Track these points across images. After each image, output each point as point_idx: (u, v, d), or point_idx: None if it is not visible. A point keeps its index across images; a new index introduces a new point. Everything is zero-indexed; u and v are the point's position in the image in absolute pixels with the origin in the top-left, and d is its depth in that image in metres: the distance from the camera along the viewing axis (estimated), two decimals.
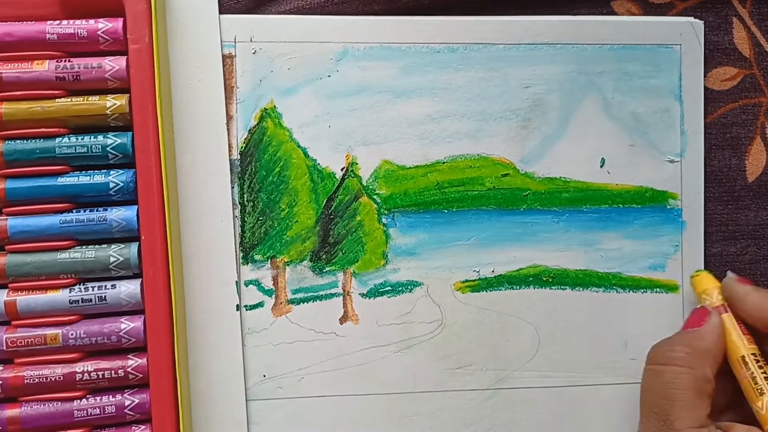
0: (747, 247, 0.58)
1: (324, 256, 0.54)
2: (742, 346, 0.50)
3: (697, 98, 0.57)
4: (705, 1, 0.57)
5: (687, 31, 0.56)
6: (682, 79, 0.57)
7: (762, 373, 0.49)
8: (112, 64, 0.50)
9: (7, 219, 0.49)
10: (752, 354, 0.50)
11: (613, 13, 0.57)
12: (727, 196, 0.58)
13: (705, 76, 0.57)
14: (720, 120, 0.58)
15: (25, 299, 0.49)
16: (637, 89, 0.56)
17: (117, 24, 0.50)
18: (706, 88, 0.57)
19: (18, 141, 0.49)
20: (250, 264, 0.54)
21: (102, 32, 0.50)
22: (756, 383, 0.49)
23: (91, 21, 0.50)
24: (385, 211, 0.55)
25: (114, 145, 0.50)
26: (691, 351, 0.49)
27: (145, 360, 0.49)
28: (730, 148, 0.58)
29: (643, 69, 0.56)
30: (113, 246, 0.50)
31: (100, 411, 0.49)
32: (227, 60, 0.53)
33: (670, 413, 0.47)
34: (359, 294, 0.55)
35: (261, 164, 0.54)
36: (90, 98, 0.50)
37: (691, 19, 0.57)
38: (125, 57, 0.50)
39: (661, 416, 0.48)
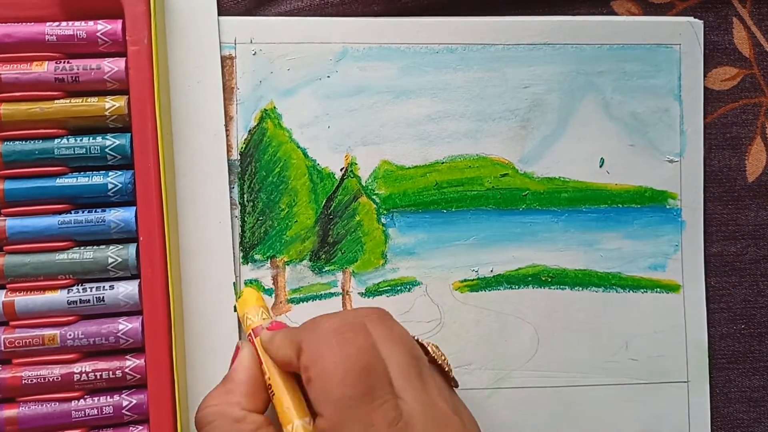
0: (747, 247, 0.57)
1: (323, 256, 0.54)
2: (268, 372, 0.46)
3: (696, 98, 0.56)
4: (705, 1, 0.57)
5: (686, 31, 0.56)
6: (681, 79, 0.56)
7: (290, 396, 0.45)
8: (111, 66, 0.49)
9: (5, 220, 0.49)
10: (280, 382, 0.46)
11: (612, 13, 0.56)
12: (727, 196, 0.57)
13: (705, 76, 0.57)
14: (720, 120, 0.57)
15: (23, 300, 0.48)
16: (636, 89, 0.55)
17: (116, 25, 0.49)
18: (706, 88, 0.56)
19: (17, 142, 0.49)
20: (250, 264, 0.53)
21: (101, 34, 0.49)
22: (283, 406, 0.45)
23: (90, 22, 0.49)
24: (384, 211, 0.54)
25: (113, 146, 0.49)
26: (222, 393, 0.46)
27: (142, 361, 0.49)
28: (730, 148, 0.57)
29: (642, 69, 0.55)
30: (111, 247, 0.49)
31: (97, 411, 0.49)
32: (227, 61, 0.53)
33: None
34: (358, 293, 0.54)
35: (261, 164, 0.53)
36: (89, 99, 0.49)
37: (691, 19, 0.56)
38: (124, 58, 0.49)
39: None
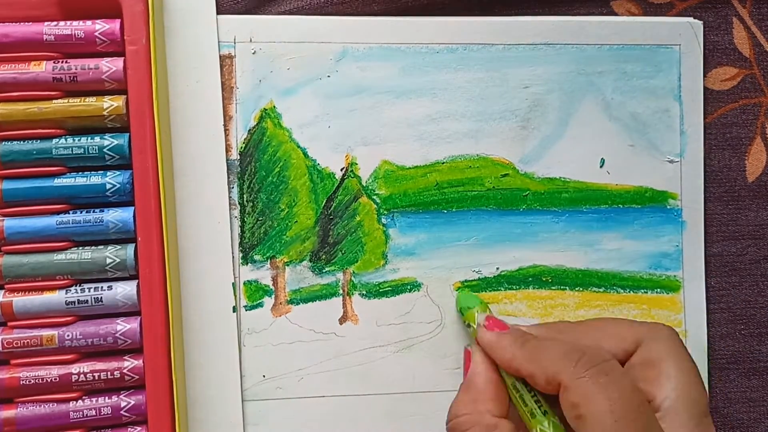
0: (747, 247, 0.56)
1: (323, 257, 0.52)
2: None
3: (696, 98, 0.55)
4: (705, 1, 0.56)
5: (686, 32, 0.54)
6: (681, 79, 0.55)
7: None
8: (110, 66, 0.48)
9: (3, 220, 0.48)
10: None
11: (612, 13, 0.55)
12: (727, 196, 0.56)
13: (705, 76, 0.55)
14: (720, 120, 0.56)
15: (21, 300, 0.47)
16: (636, 89, 0.54)
17: (114, 25, 0.48)
18: (706, 88, 0.55)
19: (15, 142, 0.48)
20: (249, 264, 0.52)
21: (99, 33, 0.48)
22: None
23: (89, 22, 0.48)
24: (385, 212, 0.53)
25: (111, 146, 0.48)
26: (468, 401, 0.47)
27: (141, 361, 0.48)
28: (730, 148, 0.56)
29: (642, 69, 0.54)
30: (110, 247, 0.48)
31: (96, 412, 0.47)
32: (227, 60, 0.52)
33: None
34: (359, 294, 0.53)
35: (260, 164, 0.52)
36: (87, 99, 0.48)
37: (691, 19, 0.55)
38: (122, 58, 0.48)
39: None
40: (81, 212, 0.48)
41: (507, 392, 0.46)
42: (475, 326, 0.49)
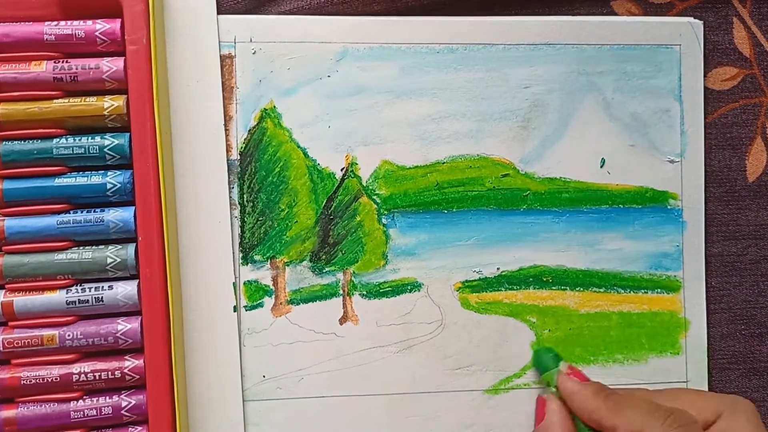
0: (747, 247, 0.56)
1: (324, 257, 0.52)
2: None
3: (697, 98, 0.55)
4: (705, 1, 0.56)
5: (687, 32, 0.55)
6: (682, 79, 0.55)
7: None
8: (110, 65, 0.48)
9: (4, 220, 0.48)
10: None
11: (612, 13, 0.55)
12: (727, 196, 0.56)
13: (705, 76, 0.56)
14: (720, 120, 0.56)
15: (22, 300, 0.48)
16: (637, 89, 0.55)
17: (115, 25, 0.48)
18: (706, 88, 0.56)
19: (15, 142, 0.48)
20: (249, 264, 0.52)
21: (100, 33, 0.48)
22: None
23: (89, 22, 0.48)
24: (385, 212, 0.53)
25: (111, 146, 0.48)
26: None
27: (142, 361, 0.48)
28: (730, 148, 0.56)
29: (643, 69, 0.55)
30: (110, 247, 0.48)
31: (96, 412, 0.48)
32: (227, 60, 0.52)
33: None
34: (359, 294, 0.53)
35: (261, 164, 0.52)
36: (87, 99, 0.48)
37: (691, 19, 0.55)
38: (123, 58, 0.48)
39: None
40: (82, 212, 0.48)
41: None
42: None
